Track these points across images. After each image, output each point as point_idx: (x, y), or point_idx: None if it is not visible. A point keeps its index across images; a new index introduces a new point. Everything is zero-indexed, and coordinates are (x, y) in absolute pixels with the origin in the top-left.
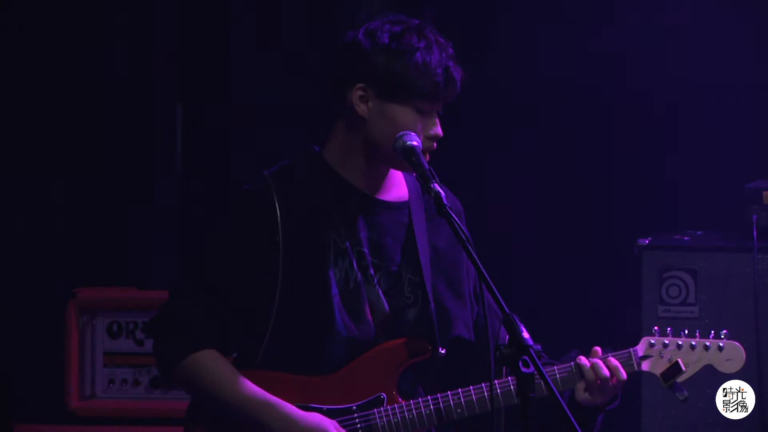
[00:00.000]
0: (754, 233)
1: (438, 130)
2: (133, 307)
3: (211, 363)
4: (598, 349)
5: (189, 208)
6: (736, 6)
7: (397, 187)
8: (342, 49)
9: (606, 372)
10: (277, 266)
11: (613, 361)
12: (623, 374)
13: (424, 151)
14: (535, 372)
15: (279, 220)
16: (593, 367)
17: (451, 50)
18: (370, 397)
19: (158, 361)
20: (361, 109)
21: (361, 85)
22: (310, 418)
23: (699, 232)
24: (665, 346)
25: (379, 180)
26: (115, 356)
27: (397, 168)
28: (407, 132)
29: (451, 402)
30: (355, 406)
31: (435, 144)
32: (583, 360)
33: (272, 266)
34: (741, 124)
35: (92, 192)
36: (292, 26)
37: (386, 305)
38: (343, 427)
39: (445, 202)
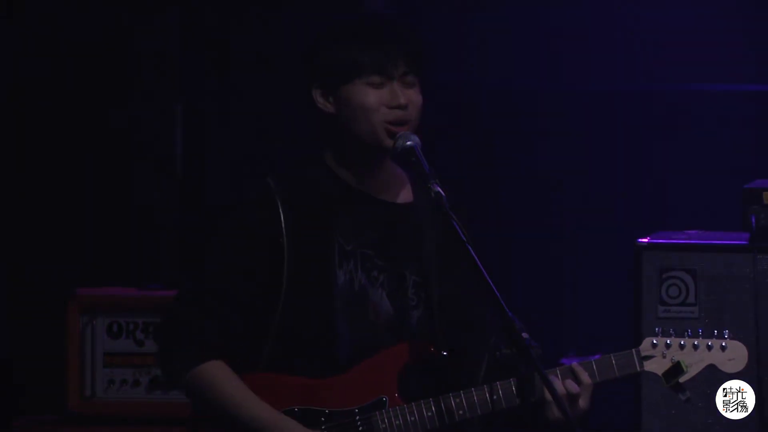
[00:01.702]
0: (754, 233)
1: (399, 100)
2: (133, 307)
3: (218, 376)
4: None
5: (189, 209)
6: (741, 8)
7: (404, 187)
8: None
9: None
10: (282, 271)
11: (576, 367)
12: (587, 378)
13: (396, 123)
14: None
15: (283, 225)
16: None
17: (388, 18)
18: (372, 400)
19: (164, 370)
20: (327, 107)
21: (315, 86)
22: None
23: (699, 232)
24: (668, 346)
25: (382, 181)
26: (116, 356)
27: (394, 160)
28: (403, 133)
29: (453, 403)
30: (357, 408)
31: (408, 113)
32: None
33: (277, 271)
34: (741, 125)
35: (92, 192)
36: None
37: (390, 307)
38: (345, 429)
39: (445, 203)
